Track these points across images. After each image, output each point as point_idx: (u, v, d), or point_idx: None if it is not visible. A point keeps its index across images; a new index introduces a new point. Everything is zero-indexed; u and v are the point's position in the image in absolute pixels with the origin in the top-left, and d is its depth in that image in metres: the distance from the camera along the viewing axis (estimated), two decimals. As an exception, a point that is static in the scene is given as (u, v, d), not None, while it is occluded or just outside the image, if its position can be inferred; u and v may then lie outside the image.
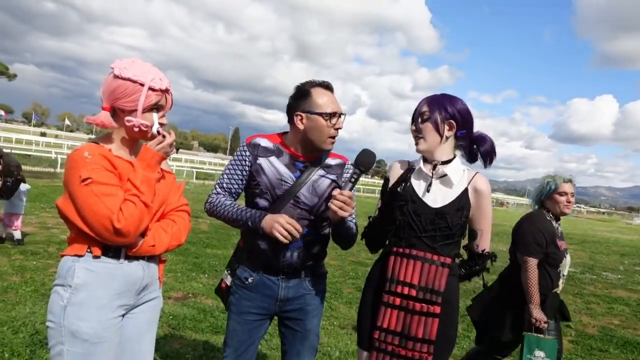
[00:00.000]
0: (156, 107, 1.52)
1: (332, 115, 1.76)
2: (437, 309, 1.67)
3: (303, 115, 1.78)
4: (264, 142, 1.85)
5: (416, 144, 1.78)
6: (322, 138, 1.78)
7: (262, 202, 1.82)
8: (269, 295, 1.86)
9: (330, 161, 1.90)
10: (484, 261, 1.80)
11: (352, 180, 1.67)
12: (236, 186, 1.87)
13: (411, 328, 1.67)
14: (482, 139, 1.81)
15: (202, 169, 34.93)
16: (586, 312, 5.74)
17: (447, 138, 1.75)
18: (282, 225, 1.68)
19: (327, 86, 1.82)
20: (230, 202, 1.85)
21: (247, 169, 1.84)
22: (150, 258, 1.61)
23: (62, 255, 1.51)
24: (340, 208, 1.61)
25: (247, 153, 1.84)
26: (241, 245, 1.95)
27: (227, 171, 1.88)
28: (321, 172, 1.86)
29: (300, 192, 1.80)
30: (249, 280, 1.87)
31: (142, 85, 1.46)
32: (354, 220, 1.94)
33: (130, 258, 1.53)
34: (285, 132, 1.91)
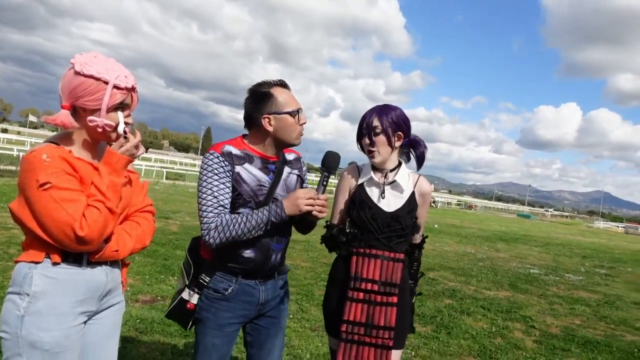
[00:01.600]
0: (121, 106, 1.44)
1: (297, 112, 1.80)
2: (395, 299, 1.88)
3: (270, 117, 1.77)
4: (234, 150, 1.78)
5: (372, 157, 1.92)
6: (293, 135, 1.81)
7: (247, 211, 1.77)
8: (249, 302, 1.83)
9: (289, 156, 1.93)
10: (422, 246, 2.07)
11: (324, 183, 1.78)
12: (229, 201, 1.73)
13: (374, 318, 1.86)
14: (417, 142, 1.99)
15: (173, 169, 34.30)
16: (550, 312, 5.93)
17: (396, 148, 1.93)
18: (305, 198, 1.70)
19: (284, 84, 1.84)
20: (235, 215, 1.71)
21: (230, 180, 1.74)
22: (114, 262, 1.54)
23: (17, 261, 1.41)
24: (320, 212, 1.74)
25: (226, 163, 1.74)
26: (207, 257, 1.82)
27: (215, 187, 1.71)
28: (287, 169, 1.89)
29: (277, 193, 1.82)
30: (229, 290, 1.79)
31: (106, 83, 1.38)
32: None
33: (92, 264, 1.46)
34: (244, 135, 1.88)
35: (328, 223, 2.03)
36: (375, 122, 1.88)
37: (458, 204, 66.07)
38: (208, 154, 1.77)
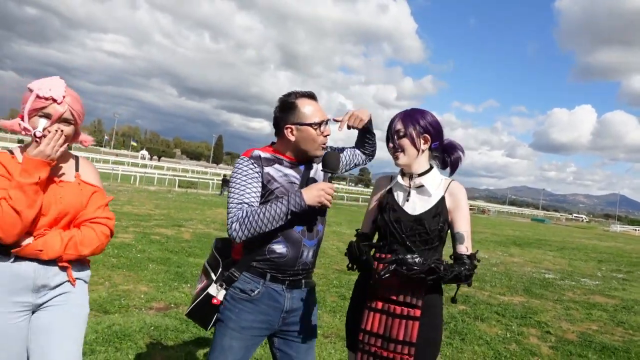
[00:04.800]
0: (43, 114, 1.59)
1: (320, 124, 1.83)
2: (418, 312, 1.73)
3: (293, 127, 1.82)
4: (263, 154, 1.85)
5: (395, 158, 1.87)
6: (314, 146, 1.84)
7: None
8: (274, 307, 1.82)
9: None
10: (474, 261, 1.78)
11: (330, 181, 1.84)
12: (254, 199, 1.78)
13: (392, 330, 1.74)
14: (452, 146, 1.92)
15: (185, 177, 34.60)
16: (566, 318, 5.84)
17: (422, 151, 1.86)
18: (326, 192, 1.74)
19: (311, 95, 1.87)
20: (256, 207, 1.75)
21: (260, 181, 1.80)
22: (47, 262, 1.65)
23: None
24: (330, 201, 1.77)
25: (255, 166, 1.80)
26: (237, 257, 1.86)
27: (242, 186, 1.77)
28: (316, 165, 1.93)
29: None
30: (255, 292, 1.80)
31: (31, 92, 1.58)
32: None
33: (20, 259, 1.60)
34: (273, 143, 1.94)
35: (358, 231, 1.99)
36: (399, 126, 1.85)
37: (471, 209, 65.38)
38: (238, 160, 1.86)
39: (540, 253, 14.00)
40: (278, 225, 1.74)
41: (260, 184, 1.80)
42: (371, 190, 1.95)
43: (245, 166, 1.80)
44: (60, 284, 1.70)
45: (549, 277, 9.12)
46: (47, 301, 1.68)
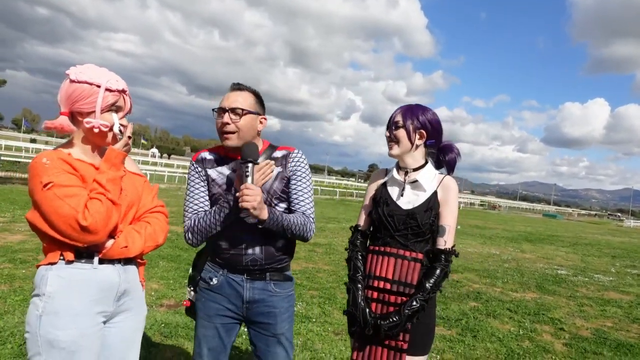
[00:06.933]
0: (115, 108, 1.54)
1: (217, 110, 1.83)
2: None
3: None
4: (208, 155, 1.91)
5: (390, 148, 1.95)
6: (219, 134, 1.84)
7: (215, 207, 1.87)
8: (235, 296, 1.85)
9: (277, 154, 1.91)
10: (450, 257, 1.86)
11: (247, 175, 1.69)
12: (203, 203, 1.86)
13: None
14: (449, 148, 1.99)
15: (195, 174, 34.70)
16: (579, 314, 5.76)
17: (417, 146, 1.92)
18: (242, 193, 1.64)
19: (232, 86, 1.89)
20: (204, 213, 1.82)
21: (204, 183, 1.88)
22: (127, 262, 1.59)
23: (38, 266, 1.50)
24: (243, 200, 1.64)
25: (199, 169, 1.88)
26: (204, 252, 1.97)
27: (190, 194, 1.87)
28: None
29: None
30: (213, 280, 1.87)
31: (98, 86, 1.49)
32: (285, 215, 1.82)
33: (104, 262, 1.52)
34: None
35: (353, 227, 2.05)
36: (398, 117, 1.91)
37: (481, 205, 65.08)
38: (190, 163, 1.94)
39: (552, 249, 13.84)
40: (225, 225, 1.79)
41: (205, 185, 1.87)
42: None
43: (193, 170, 1.90)
44: (132, 289, 1.62)
45: (561, 273, 9.01)
46: (121, 311, 1.60)
